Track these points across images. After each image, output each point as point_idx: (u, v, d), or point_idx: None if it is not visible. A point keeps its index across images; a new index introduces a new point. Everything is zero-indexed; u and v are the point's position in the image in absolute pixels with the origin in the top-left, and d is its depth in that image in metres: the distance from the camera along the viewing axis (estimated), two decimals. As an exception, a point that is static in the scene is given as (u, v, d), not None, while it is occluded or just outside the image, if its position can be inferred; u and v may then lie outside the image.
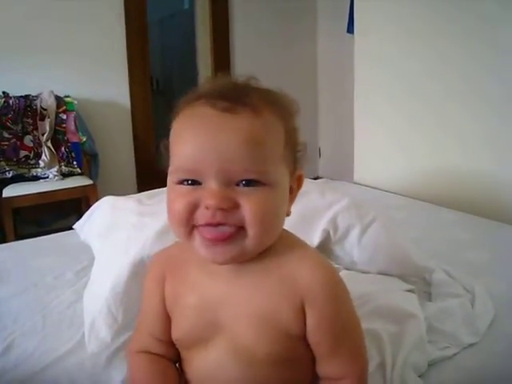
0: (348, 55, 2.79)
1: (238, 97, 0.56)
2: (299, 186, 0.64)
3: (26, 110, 2.62)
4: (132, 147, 3.25)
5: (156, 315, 0.67)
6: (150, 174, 3.21)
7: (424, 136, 2.09)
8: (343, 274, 0.99)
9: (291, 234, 0.65)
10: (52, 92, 2.67)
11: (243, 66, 3.56)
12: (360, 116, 2.42)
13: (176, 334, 0.65)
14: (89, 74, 2.94)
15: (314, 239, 0.99)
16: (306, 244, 0.66)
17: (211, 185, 0.54)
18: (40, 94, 2.66)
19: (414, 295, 0.97)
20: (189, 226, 0.56)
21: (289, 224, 0.96)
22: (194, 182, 0.56)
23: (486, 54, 1.80)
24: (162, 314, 0.66)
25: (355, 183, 2.30)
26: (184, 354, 0.66)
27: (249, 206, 0.54)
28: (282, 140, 0.58)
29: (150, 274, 0.69)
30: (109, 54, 3.06)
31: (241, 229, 0.55)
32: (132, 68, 3.15)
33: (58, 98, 2.67)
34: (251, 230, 0.55)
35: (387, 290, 0.95)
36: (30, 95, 2.65)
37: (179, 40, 4.57)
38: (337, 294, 0.61)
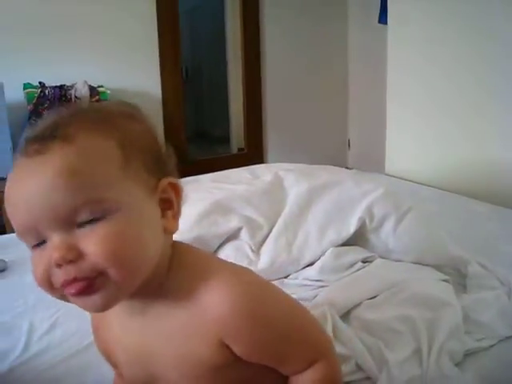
0: (379, 46, 2.75)
1: (49, 133, 0.50)
2: (178, 195, 0.56)
3: (60, 99, 2.67)
4: (163, 136, 3.27)
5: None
6: (181, 162, 3.23)
7: (460, 126, 2.03)
8: (378, 262, 0.99)
9: (196, 251, 0.60)
10: (86, 82, 2.71)
11: (273, 55, 3.54)
12: (392, 106, 2.38)
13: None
14: (121, 63, 2.99)
15: (350, 227, 0.99)
16: (214, 264, 0.59)
17: (52, 238, 0.48)
18: (74, 84, 2.71)
19: (450, 285, 0.96)
20: (57, 291, 0.50)
21: (324, 213, 0.97)
22: (43, 243, 0.49)
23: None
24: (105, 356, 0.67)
25: (386, 174, 2.27)
26: None
27: (93, 249, 0.47)
28: (116, 157, 0.51)
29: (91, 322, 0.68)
30: (141, 43, 3.10)
31: (103, 274, 0.48)
32: (163, 57, 3.18)
33: (91, 88, 2.72)
34: (112, 273, 0.48)
35: (423, 279, 0.95)
36: (64, 85, 2.70)
37: (209, 29, 4.59)
38: (257, 317, 0.54)
